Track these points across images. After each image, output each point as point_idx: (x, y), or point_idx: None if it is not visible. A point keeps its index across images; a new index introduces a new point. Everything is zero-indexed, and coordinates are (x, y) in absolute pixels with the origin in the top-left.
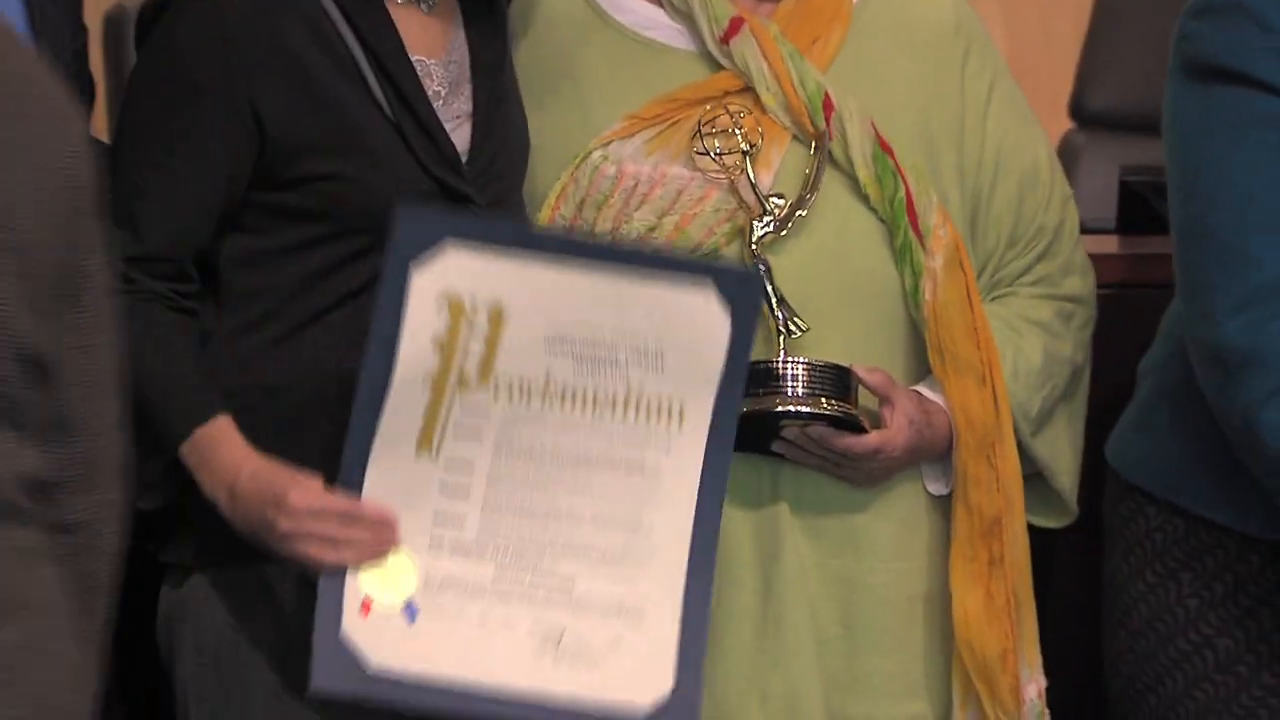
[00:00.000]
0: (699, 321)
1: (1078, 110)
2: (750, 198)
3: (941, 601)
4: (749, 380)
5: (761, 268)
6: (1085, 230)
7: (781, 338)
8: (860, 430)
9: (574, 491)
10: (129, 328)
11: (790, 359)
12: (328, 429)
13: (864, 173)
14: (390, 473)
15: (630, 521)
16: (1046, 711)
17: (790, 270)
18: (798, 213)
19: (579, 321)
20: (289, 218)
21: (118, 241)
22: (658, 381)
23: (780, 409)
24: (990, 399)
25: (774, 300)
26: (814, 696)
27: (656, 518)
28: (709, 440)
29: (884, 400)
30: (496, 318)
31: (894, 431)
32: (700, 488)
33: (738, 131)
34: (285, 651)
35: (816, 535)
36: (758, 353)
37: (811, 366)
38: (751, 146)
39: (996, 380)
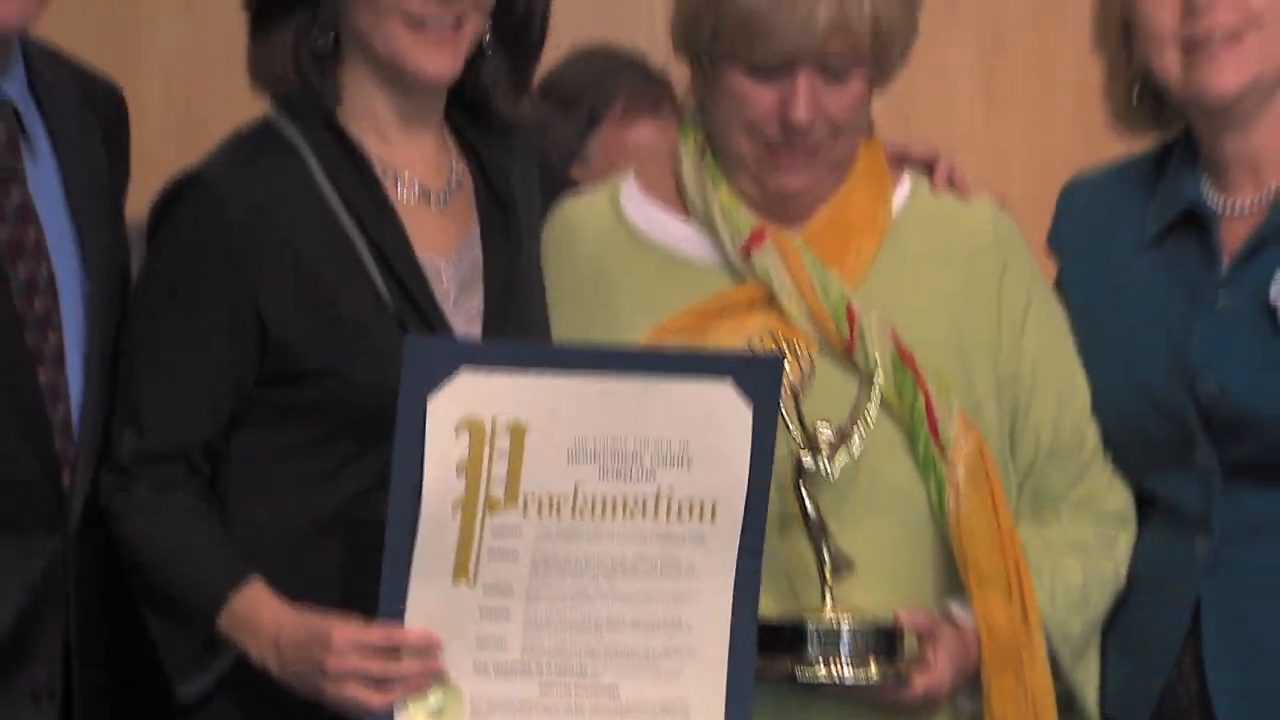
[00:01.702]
0: (720, 415)
1: None
2: (798, 433)
3: None
4: (795, 639)
5: (781, 356)
6: None
7: (827, 586)
8: (904, 680)
9: (612, 599)
10: (150, 519)
11: (838, 620)
12: (353, 578)
13: (885, 381)
14: (430, 604)
15: (670, 621)
16: None
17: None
18: (845, 454)
19: (600, 431)
20: (295, 414)
21: (123, 438)
22: (686, 481)
23: (832, 680)
24: (1018, 613)
25: (821, 537)
26: None
27: (695, 614)
28: (742, 531)
29: (927, 639)
30: (518, 436)
31: (938, 673)
32: (736, 579)
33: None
34: None
35: None
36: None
37: (861, 631)
38: (801, 382)
39: (1026, 594)
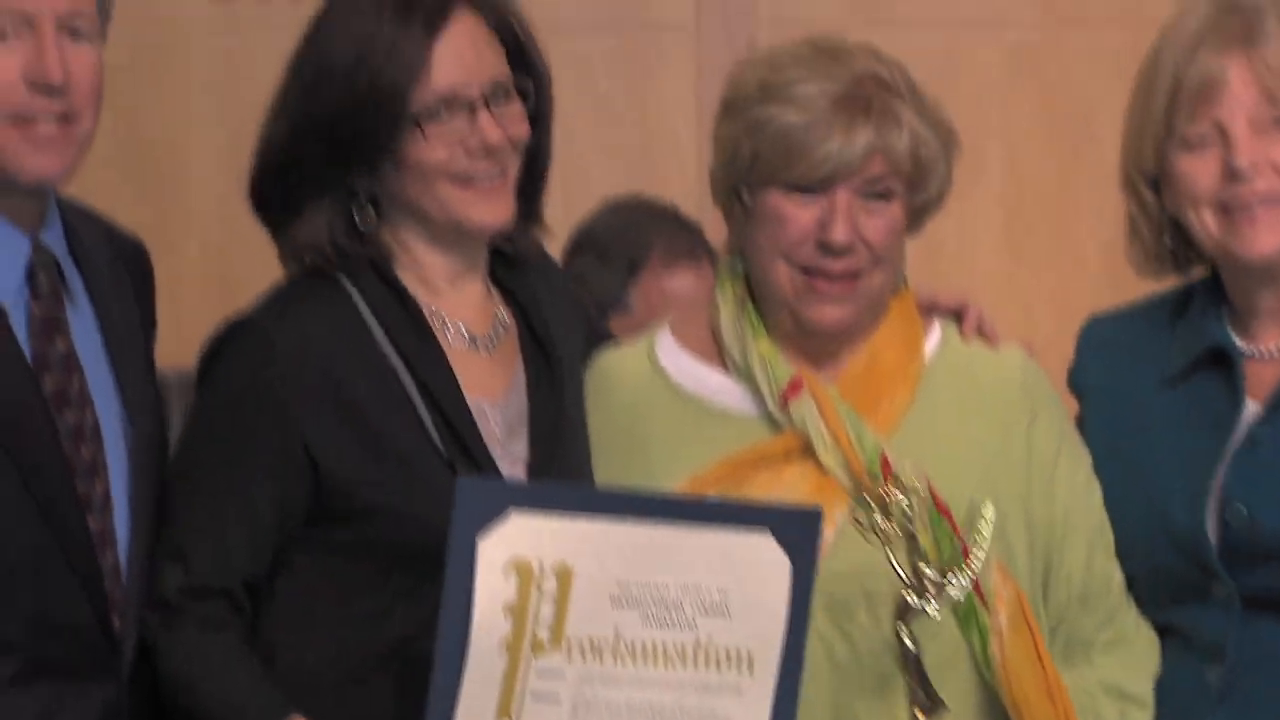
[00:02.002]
0: (760, 566)
1: None
2: (906, 573)
3: None
4: None
5: (819, 509)
6: None
7: None
8: None
9: None
10: (192, 655)
11: None
12: (399, 717)
13: (923, 535)
14: None
15: None
16: None
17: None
18: (952, 593)
19: (644, 578)
20: (343, 553)
21: (168, 574)
22: (725, 630)
23: None
24: None
25: (920, 676)
26: None
27: None
28: (778, 681)
29: None
30: (564, 580)
31: None
32: None
33: (903, 509)
34: None
35: None
36: None
37: None
38: (911, 523)
39: None
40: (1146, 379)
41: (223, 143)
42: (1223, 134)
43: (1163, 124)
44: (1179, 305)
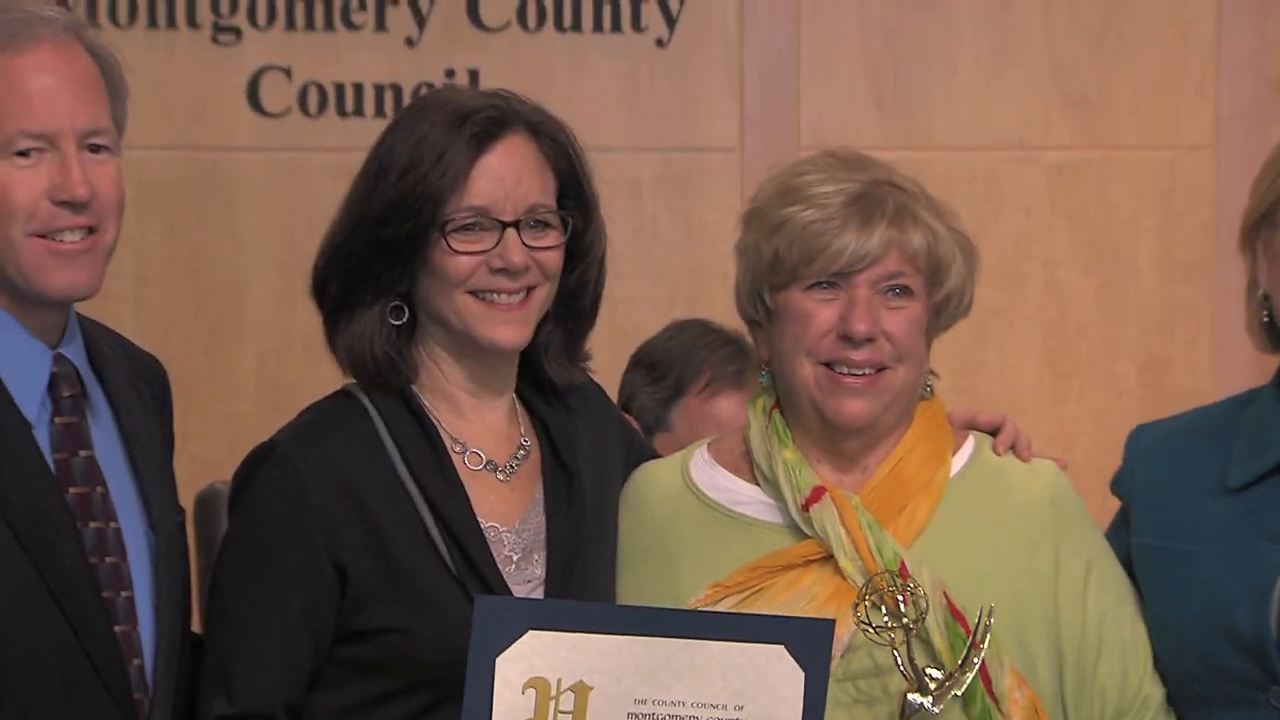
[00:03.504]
0: (774, 679)
1: None
2: (909, 671)
3: None
4: None
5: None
6: None
7: None
8: None
9: None
10: None
11: None
12: None
13: (939, 640)
14: None
15: None
16: None
17: None
18: (953, 692)
19: (660, 694)
20: (363, 671)
21: (215, 697)
22: None
23: None
24: None
25: None
26: None
27: None
28: None
29: None
30: (581, 696)
31: None
32: None
33: (902, 606)
34: None
35: None
36: None
37: None
38: (916, 623)
39: None
40: (1206, 482)
41: (274, 256)
42: None
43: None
44: (1239, 410)
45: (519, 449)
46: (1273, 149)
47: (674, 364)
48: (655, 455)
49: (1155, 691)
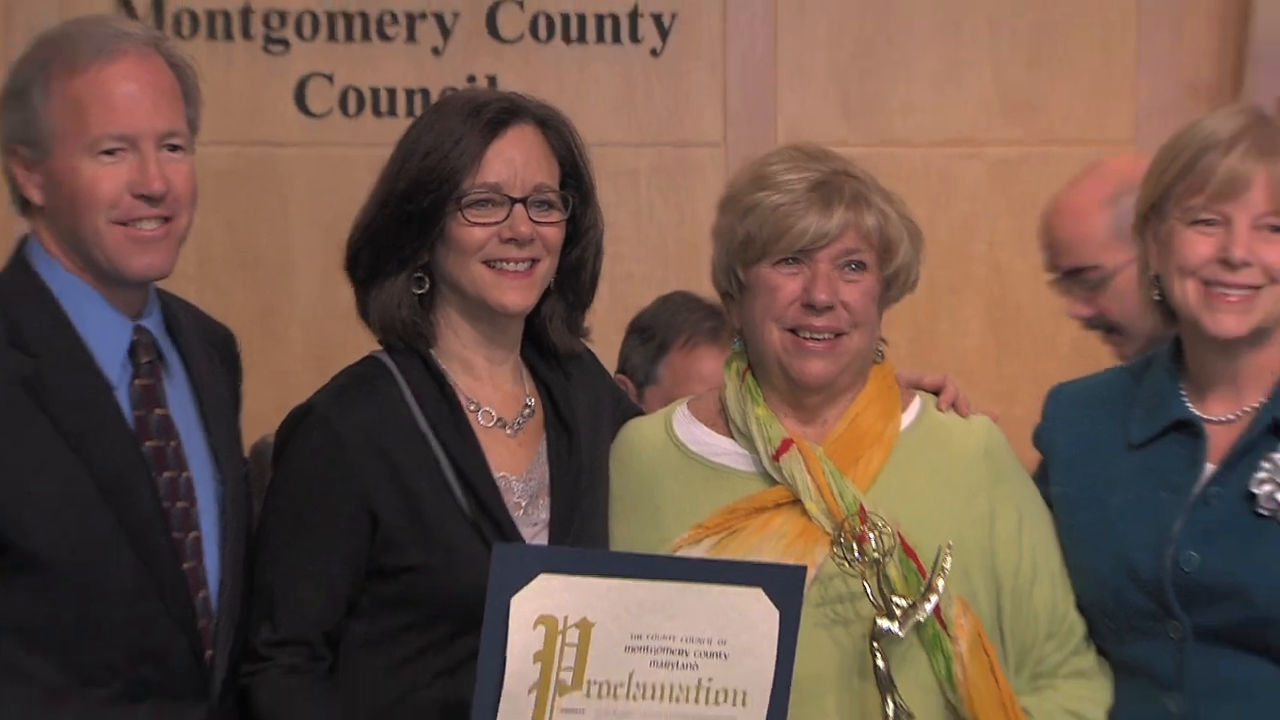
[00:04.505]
0: (753, 617)
1: None
2: (878, 600)
3: None
4: None
5: (809, 572)
6: None
7: None
8: None
9: None
10: (279, 696)
11: None
12: None
13: (894, 572)
14: None
15: None
16: None
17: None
18: (914, 619)
19: (653, 629)
20: (389, 605)
21: (263, 625)
22: (723, 672)
23: None
24: None
25: (890, 689)
26: None
27: None
28: (769, 711)
29: None
30: (585, 632)
31: None
32: None
33: (871, 541)
34: None
35: None
36: None
37: None
38: (882, 558)
39: None
40: (1112, 440)
41: (319, 241)
42: (1228, 224)
43: (1171, 197)
44: (1140, 374)
45: (525, 408)
46: (1158, 150)
47: (659, 326)
48: (641, 414)
49: (1079, 622)
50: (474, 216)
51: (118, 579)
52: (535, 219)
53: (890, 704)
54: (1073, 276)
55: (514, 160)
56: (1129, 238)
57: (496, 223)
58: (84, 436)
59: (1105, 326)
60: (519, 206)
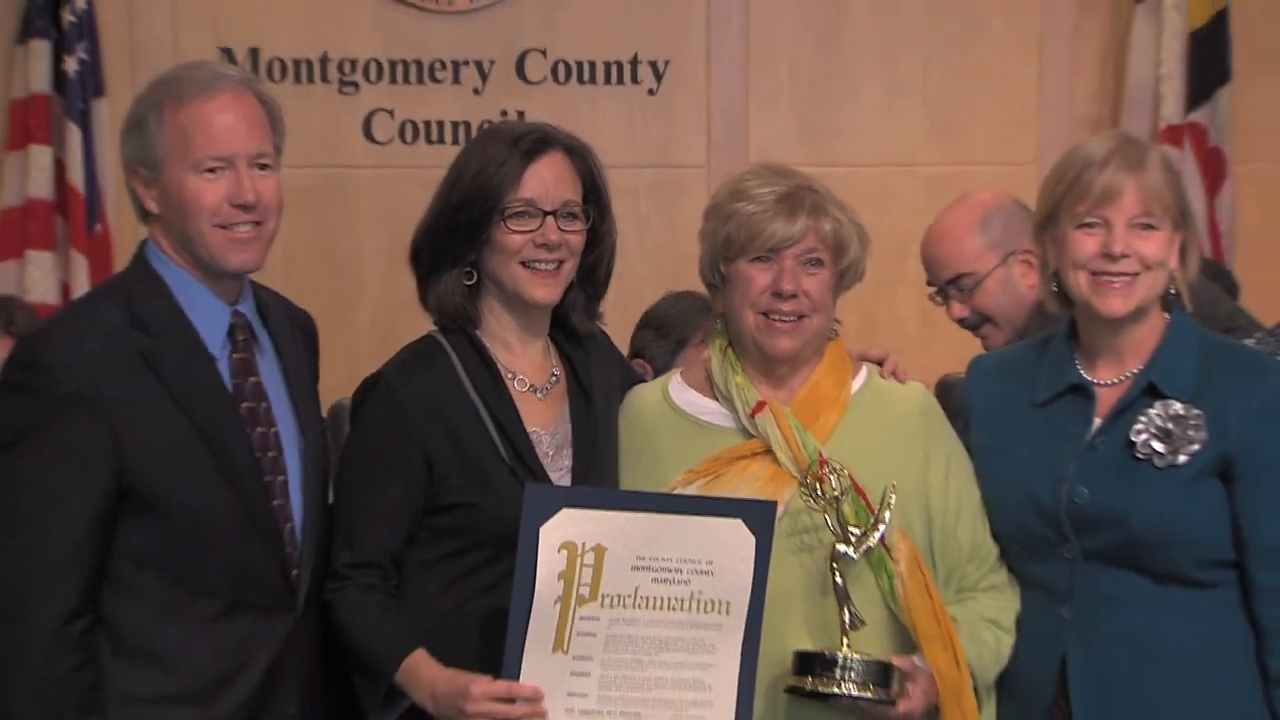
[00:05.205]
0: (734, 542)
1: None
2: (836, 528)
3: None
4: (825, 665)
5: (779, 507)
6: None
7: (846, 638)
8: (893, 703)
9: (660, 665)
10: (354, 609)
11: (854, 656)
12: (485, 648)
13: (848, 508)
14: (537, 667)
15: (696, 683)
16: None
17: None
18: (866, 545)
19: (654, 552)
20: (442, 535)
21: (342, 551)
22: (711, 586)
23: (846, 695)
24: (952, 659)
25: (845, 601)
26: None
27: (714, 679)
28: (746, 621)
29: (909, 678)
30: (599, 555)
31: (915, 702)
32: (742, 655)
33: (833, 479)
34: None
35: None
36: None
37: (868, 665)
38: (840, 497)
39: (956, 648)
40: (1020, 400)
41: (383, 244)
42: (1108, 225)
43: (1062, 206)
44: (1042, 347)
45: (551, 376)
46: (1051, 168)
47: (676, 325)
48: (641, 380)
49: (993, 547)
50: (514, 225)
51: (220, 515)
52: (563, 228)
53: (846, 613)
54: (952, 284)
55: (546, 180)
56: (994, 250)
57: (531, 230)
58: (192, 400)
59: (980, 321)
60: (550, 218)
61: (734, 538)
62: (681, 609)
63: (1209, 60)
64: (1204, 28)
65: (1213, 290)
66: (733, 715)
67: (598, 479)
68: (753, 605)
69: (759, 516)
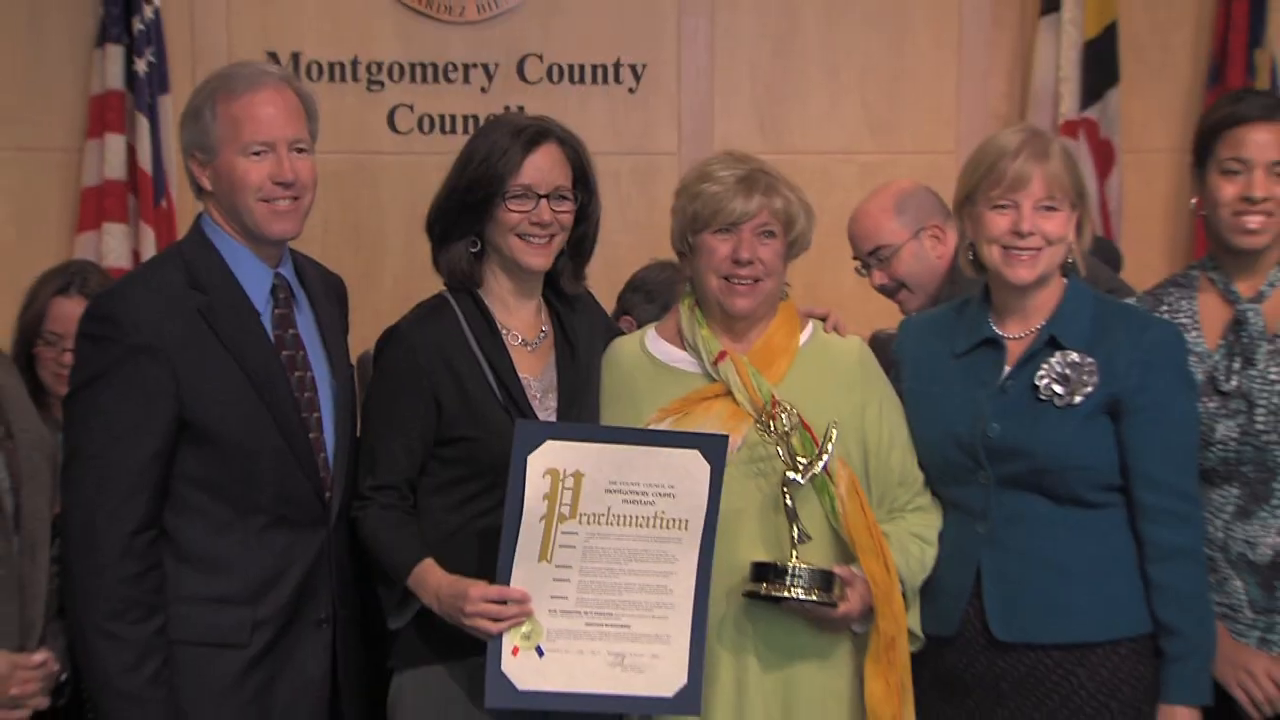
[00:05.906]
0: (692, 470)
1: None
2: (787, 458)
3: (855, 695)
4: (776, 574)
5: (737, 440)
6: None
7: (795, 551)
8: (834, 605)
9: (629, 573)
10: (376, 524)
11: (800, 565)
12: (483, 558)
13: (796, 441)
14: (525, 574)
15: (661, 587)
16: None
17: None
18: (811, 473)
19: (624, 477)
20: (448, 464)
21: (366, 475)
22: (672, 507)
23: (794, 598)
24: (884, 568)
25: (794, 520)
26: None
27: (675, 584)
28: (702, 537)
29: (848, 584)
30: (578, 480)
31: (853, 605)
32: (698, 564)
33: (784, 416)
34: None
35: (775, 652)
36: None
37: (813, 573)
38: (788, 432)
39: (887, 557)
40: (942, 352)
41: (403, 219)
42: (1018, 207)
43: (979, 189)
44: (961, 308)
45: (541, 331)
46: (970, 153)
47: (662, 290)
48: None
49: (919, 474)
50: (513, 206)
51: (266, 445)
52: (554, 209)
53: (795, 529)
54: (872, 255)
55: (542, 168)
56: (906, 226)
57: (528, 210)
58: (241, 349)
59: (897, 288)
60: (544, 200)
61: (692, 466)
62: (647, 526)
63: (1101, 65)
64: (1097, 38)
65: (1095, 263)
66: (690, 614)
67: (577, 417)
68: (707, 523)
69: (713, 448)
